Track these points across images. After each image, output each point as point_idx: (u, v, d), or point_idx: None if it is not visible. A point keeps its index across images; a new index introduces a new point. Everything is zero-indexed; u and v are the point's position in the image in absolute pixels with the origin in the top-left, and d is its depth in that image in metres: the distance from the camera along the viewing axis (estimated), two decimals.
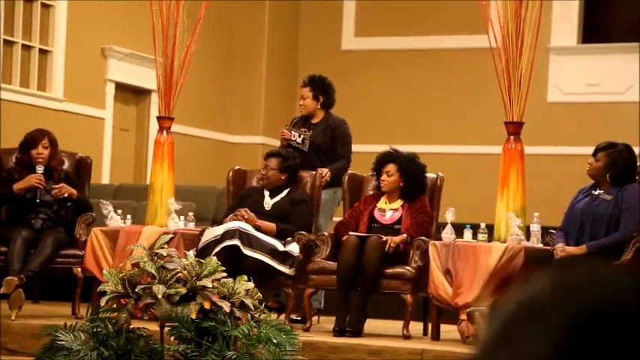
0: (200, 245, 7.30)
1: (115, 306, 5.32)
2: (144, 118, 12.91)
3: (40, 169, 7.81)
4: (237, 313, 5.32)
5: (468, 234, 7.35)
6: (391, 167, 7.53)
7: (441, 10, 13.85)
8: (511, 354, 0.94)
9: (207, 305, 5.24)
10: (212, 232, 7.40)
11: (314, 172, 8.00)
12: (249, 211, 7.55)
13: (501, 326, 0.97)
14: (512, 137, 7.42)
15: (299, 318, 7.75)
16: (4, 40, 10.95)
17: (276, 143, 9.03)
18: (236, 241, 7.23)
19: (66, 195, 7.82)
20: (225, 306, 5.26)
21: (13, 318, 7.21)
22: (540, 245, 7.15)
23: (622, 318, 0.92)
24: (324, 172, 8.06)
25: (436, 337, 7.14)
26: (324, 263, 7.35)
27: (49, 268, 7.67)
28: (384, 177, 7.53)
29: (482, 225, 7.34)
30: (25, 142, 7.95)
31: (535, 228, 7.24)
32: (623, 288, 0.94)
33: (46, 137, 7.92)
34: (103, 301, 5.32)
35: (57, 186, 7.81)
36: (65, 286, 8.00)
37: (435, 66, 14.03)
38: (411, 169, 7.51)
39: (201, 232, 7.53)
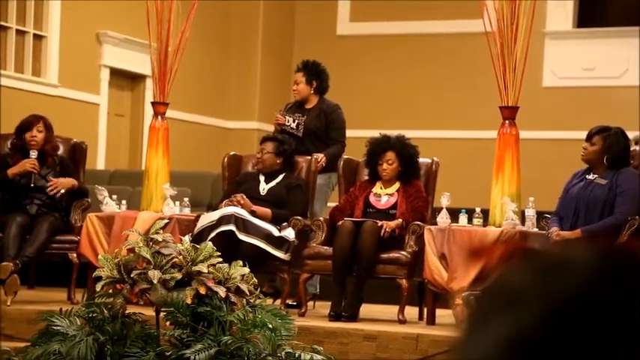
0: (195, 231, 7.30)
1: (110, 291, 5.32)
2: (139, 104, 12.90)
3: (33, 154, 7.80)
4: (233, 298, 5.32)
5: (463, 219, 7.36)
6: (391, 155, 7.50)
7: None
8: (487, 340, 0.91)
9: (202, 290, 5.25)
10: (207, 218, 7.39)
11: (309, 158, 7.99)
12: (244, 197, 7.55)
13: (478, 311, 0.94)
14: (507, 122, 7.42)
15: (294, 303, 7.75)
16: None
17: (272, 129, 9.01)
18: (231, 227, 7.23)
19: (63, 191, 7.80)
20: (221, 291, 5.27)
21: (8, 304, 7.20)
22: (535, 230, 7.15)
23: (604, 306, 0.89)
24: (320, 157, 8.04)
25: (431, 321, 7.15)
26: (320, 248, 7.36)
27: (45, 254, 7.67)
28: (385, 166, 7.50)
29: (478, 210, 7.34)
30: (20, 127, 7.93)
31: (530, 212, 7.24)
32: (607, 274, 0.91)
33: (41, 121, 7.91)
34: (98, 287, 5.33)
35: (51, 183, 7.77)
36: (61, 271, 8.00)
37: (430, 51, 14.01)
38: (409, 153, 7.53)
39: (197, 218, 7.53)
